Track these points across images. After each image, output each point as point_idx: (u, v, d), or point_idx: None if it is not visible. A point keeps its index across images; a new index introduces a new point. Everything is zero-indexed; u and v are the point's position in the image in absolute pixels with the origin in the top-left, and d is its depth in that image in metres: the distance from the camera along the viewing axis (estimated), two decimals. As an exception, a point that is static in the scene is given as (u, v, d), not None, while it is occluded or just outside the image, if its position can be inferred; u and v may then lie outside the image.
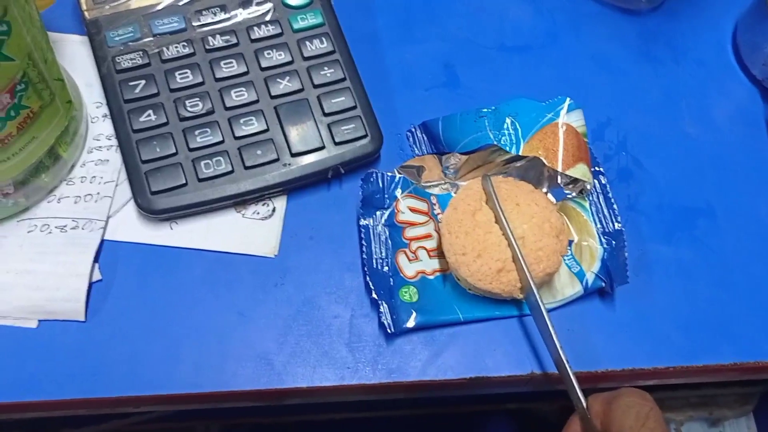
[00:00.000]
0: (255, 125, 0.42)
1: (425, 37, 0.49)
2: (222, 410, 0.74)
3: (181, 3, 0.45)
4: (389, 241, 0.41)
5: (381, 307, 0.39)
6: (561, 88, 0.47)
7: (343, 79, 0.44)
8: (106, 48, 0.43)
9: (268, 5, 0.45)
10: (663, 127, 0.48)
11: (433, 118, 0.44)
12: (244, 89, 0.43)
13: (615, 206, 0.43)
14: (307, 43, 0.44)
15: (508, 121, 0.43)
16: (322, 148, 0.42)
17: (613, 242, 0.42)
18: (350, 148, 0.42)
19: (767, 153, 0.47)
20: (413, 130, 0.45)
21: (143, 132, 0.41)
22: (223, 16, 0.45)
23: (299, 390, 0.39)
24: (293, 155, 0.42)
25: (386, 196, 0.42)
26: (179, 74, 0.43)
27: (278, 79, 0.43)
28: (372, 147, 0.43)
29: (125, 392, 0.38)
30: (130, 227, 0.41)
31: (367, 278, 0.40)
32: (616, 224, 0.42)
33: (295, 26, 0.45)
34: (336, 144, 0.42)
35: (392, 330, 0.39)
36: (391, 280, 0.40)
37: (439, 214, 0.42)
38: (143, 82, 0.42)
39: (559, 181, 0.43)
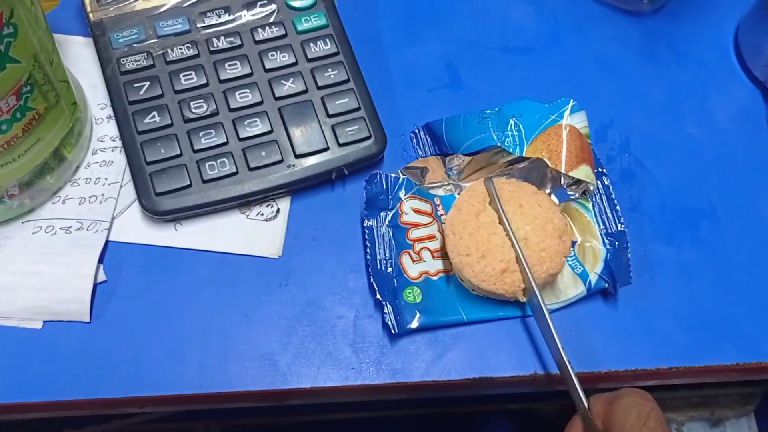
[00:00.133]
0: (259, 126, 0.42)
1: (428, 38, 0.49)
2: (223, 411, 0.74)
3: (185, 5, 0.45)
4: (393, 242, 0.41)
5: (385, 307, 0.39)
6: (564, 90, 0.47)
7: (347, 81, 0.44)
8: (111, 50, 0.43)
9: (272, 7, 0.45)
10: (665, 128, 0.48)
11: (437, 119, 0.45)
12: (248, 91, 0.43)
13: (618, 207, 0.43)
14: (311, 44, 0.45)
15: (511, 122, 0.43)
16: (326, 149, 0.42)
17: (616, 243, 0.42)
18: (354, 150, 0.42)
19: (769, 154, 0.48)
20: (417, 131, 0.46)
21: (148, 133, 0.41)
22: (227, 17, 0.45)
23: (303, 390, 0.39)
24: (297, 156, 0.42)
25: (390, 197, 0.42)
26: (184, 76, 0.43)
27: (282, 81, 0.43)
28: (376, 148, 0.43)
29: (129, 393, 0.38)
30: (135, 228, 0.41)
31: (371, 279, 0.40)
32: (619, 225, 0.42)
33: (299, 28, 0.45)
34: (340, 145, 0.42)
35: (396, 330, 0.39)
36: (395, 280, 0.40)
37: (442, 215, 0.43)
38: (148, 83, 0.42)
39: (562, 182, 0.43)
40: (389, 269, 0.40)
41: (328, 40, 0.45)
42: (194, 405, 0.40)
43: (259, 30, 0.45)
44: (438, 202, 0.43)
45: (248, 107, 0.43)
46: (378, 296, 0.39)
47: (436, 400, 0.78)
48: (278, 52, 0.44)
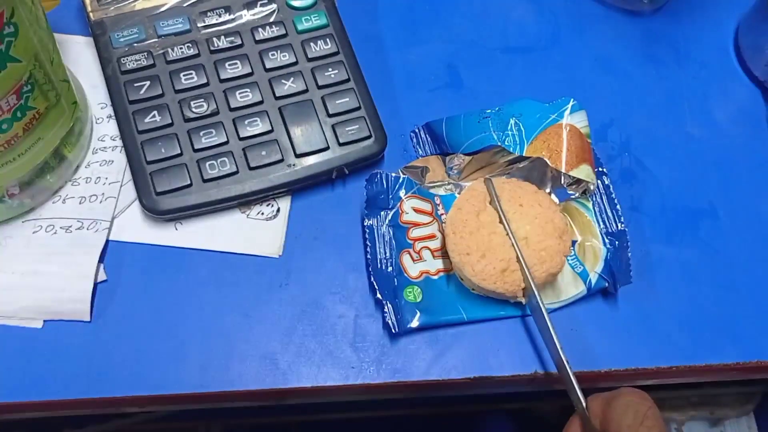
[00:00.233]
0: (259, 126, 0.42)
1: (429, 38, 0.49)
2: (223, 410, 0.74)
3: (185, 4, 0.45)
4: (393, 242, 0.41)
5: (385, 307, 0.39)
6: (564, 90, 0.47)
7: (347, 80, 0.44)
8: (111, 49, 0.43)
9: (273, 6, 0.45)
10: (666, 128, 0.48)
11: (437, 118, 0.45)
12: (248, 90, 0.43)
13: (618, 207, 0.43)
14: (312, 44, 0.45)
15: (511, 121, 0.43)
16: (327, 148, 0.42)
17: (617, 242, 0.42)
18: (354, 149, 0.42)
19: (769, 154, 0.48)
20: (417, 131, 0.46)
21: (148, 133, 0.41)
22: (227, 17, 0.45)
23: (304, 390, 0.39)
24: (298, 156, 0.42)
25: (390, 196, 0.42)
26: (184, 75, 0.43)
27: (283, 80, 0.43)
28: (376, 148, 0.43)
29: (130, 392, 0.38)
30: (135, 228, 0.41)
31: (372, 278, 0.40)
32: (619, 225, 0.42)
33: (300, 27, 0.45)
34: (340, 145, 0.42)
35: (396, 330, 0.39)
36: (396, 280, 0.40)
37: (443, 214, 0.43)
38: (148, 83, 0.42)
39: (562, 181, 0.43)
40: (389, 268, 0.40)
41: (328, 40, 0.45)
42: (195, 404, 0.40)
43: (260, 29, 0.45)
44: (438, 202, 0.43)
45: (248, 107, 0.43)
46: (378, 295, 0.39)
47: (436, 399, 0.78)
48: (278, 51, 0.44)
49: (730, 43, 0.51)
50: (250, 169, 0.41)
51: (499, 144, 0.42)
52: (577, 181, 0.43)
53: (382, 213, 0.42)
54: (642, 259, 0.43)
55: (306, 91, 0.43)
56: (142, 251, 0.41)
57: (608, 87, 0.49)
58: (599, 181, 0.43)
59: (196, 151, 0.41)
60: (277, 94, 0.43)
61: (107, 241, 0.41)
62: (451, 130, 0.44)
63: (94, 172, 0.42)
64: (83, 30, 0.46)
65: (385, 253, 0.41)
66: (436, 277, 0.41)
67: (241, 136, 0.42)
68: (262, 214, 0.42)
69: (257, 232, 0.42)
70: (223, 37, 0.44)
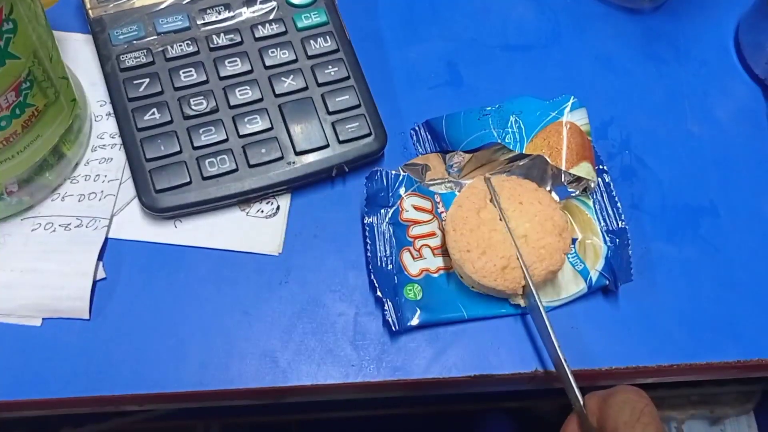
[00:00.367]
0: (259, 123, 0.42)
1: (429, 36, 0.49)
2: (222, 409, 0.74)
3: (185, 1, 0.45)
4: (393, 239, 0.41)
5: (385, 304, 0.39)
6: (565, 88, 0.47)
7: (347, 78, 0.44)
8: (110, 46, 0.43)
9: (272, 4, 0.45)
10: (666, 126, 0.48)
11: (437, 116, 0.44)
12: (248, 87, 0.43)
13: (619, 204, 0.43)
14: (311, 41, 0.44)
15: (512, 119, 0.43)
16: (327, 146, 0.42)
17: (617, 240, 0.42)
18: (354, 147, 0.42)
19: (770, 151, 0.48)
20: (417, 128, 0.46)
21: (147, 130, 0.41)
22: (227, 14, 0.45)
23: (304, 388, 0.39)
24: (297, 153, 0.42)
25: (390, 194, 0.42)
26: (183, 73, 0.43)
27: (282, 78, 0.43)
28: (376, 145, 0.43)
29: (130, 390, 0.38)
30: (135, 225, 0.41)
31: (372, 276, 0.40)
32: (619, 222, 0.42)
33: (299, 25, 0.45)
34: (340, 142, 0.42)
35: (396, 328, 0.39)
36: (396, 278, 0.40)
37: (442, 212, 0.42)
38: (147, 80, 0.42)
39: (562, 179, 0.43)
40: (390, 266, 0.40)
41: (328, 37, 0.45)
42: (194, 402, 0.40)
43: (259, 27, 0.44)
44: (438, 200, 0.43)
45: (248, 104, 0.43)
46: (378, 293, 0.39)
47: (435, 398, 0.78)
48: (278, 49, 0.44)
49: (730, 41, 0.51)
50: (250, 166, 0.41)
51: (499, 141, 0.42)
52: (578, 179, 0.43)
53: (382, 211, 0.42)
54: (642, 256, 0.43)
55: (306, 88, 0.43)
56: (142, 249, 0.41)
57: (608, 85, 0.49)
58: (600, 179, 0.43)
59: (195, 148, 0.41)
60: (277, 92, 0.43)
61: (106, 238, 0.41)
62: (451, 127, 0.44)
63: (93, 169, 0.42)
64: (82, 27, 0.46)
65: (386, 251, 0.41)
66: (436, 275, 0.41)
67: (240, 133, 0.42)
68: (262, 211, 0.42)
69: (257, 230, 0.42)
70: (222, 34, 0.44)
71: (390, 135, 0.43)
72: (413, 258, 0.41)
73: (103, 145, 0.43)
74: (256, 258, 0.41)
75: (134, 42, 0.43)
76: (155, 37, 0.44)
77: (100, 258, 0.40)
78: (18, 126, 0.36)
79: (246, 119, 0.42)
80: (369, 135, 0.43)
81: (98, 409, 0.39)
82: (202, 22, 0.44)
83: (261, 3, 0.45)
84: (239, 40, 0.44)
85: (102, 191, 0.42)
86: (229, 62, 0.43)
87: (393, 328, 0.39)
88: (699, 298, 0.42)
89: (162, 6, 0.44)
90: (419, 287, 0.40)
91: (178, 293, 0.40)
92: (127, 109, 0.42)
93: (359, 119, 0.43)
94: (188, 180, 0.40)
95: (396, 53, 0.48)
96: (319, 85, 0.43)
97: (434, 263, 0.41)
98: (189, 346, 0.39)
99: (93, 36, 0.44)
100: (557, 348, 0.37)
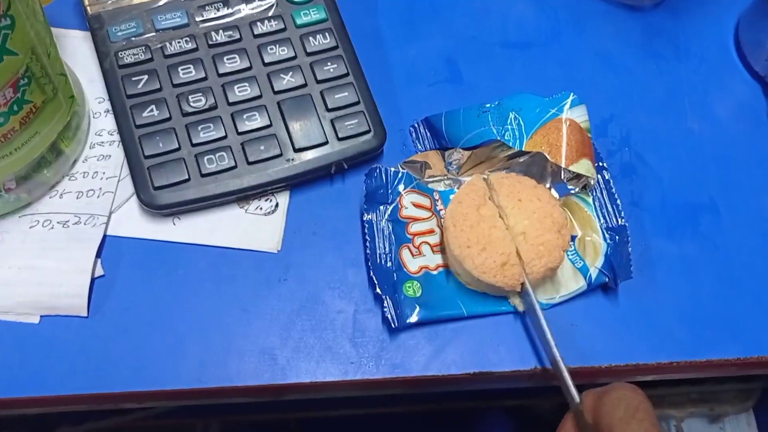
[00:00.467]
0: (258, 120, 0.42)
1: (428, 33, 0.49)
2: (221, 407, 0.74)
3: (183, -2, 0.44)
4: (393, 236, 0.41)
5: (384, 302, 0.39)
6: (564, 85, 0.47)
7: (346, 75, 0.44)
8: (109, 43, 0.43)
9: (271, 0, 0.45)
10: (666, 123, 0.48)
11: (436, 113, 0.44)
12: (247, 84, 0.43)
13: (618, 201, 0.43)
14: (310, 38, 0.44)
15: (511, 116, 0.43)
16: (326, 143, 0.42)
17: (617, 237, 0.42)
18: (353, 144, 0.42)
19: (770, 149, 0.47)
20: (416, 125, 0.45)
21: (146, 127, 0.41)
22: (225, 11, 0.45)
23: (302, 385, 0.38)
24: (296, 150, 0.42)
25: (389, 191, 0.42)
26: (182, 69, 0.43)
27: (281, 75, 0.43)
28: (375, 142, 0.43)
29: (128, 388, 0.38)
30: (133, 223, 0.41)
31: (371, 273, 0.40)
32: (619, 220, 0.42)
33: (298, 22, 0.45)
34: (339, 139, 0.42)
35: (396, 325, 0.39)
36: (395, 275, 0.40)
37: (441, 210, 0.42)
38: (146, 77, 0.42)
39: (562, 176, 0.43)
40: (389, 263, 0.40)
41: (327, 34, 0.45)
42: (193, 400, 0.40)
43: (258, 24, 0.44)
44: (437, 197, 0.43)
45: (247, 101, 0.42)
46: (378, 290, 0.39)
47: (434, 395, 0.78)
48: (277, 45, 0.44)
49: (730, 39, 0.51)
50: (249, 163, 0.41)
51: (498, 138, 0.42)
52: (577, 176, 0.43)
53: (382, 208, 0.42)
54: (642, 254, 0.43)
55: (305, 85, 0.43)
56: (140, 246, 0.41)
57: (608, 82, 0.49)
58: (599, 176, 0.43)
59: (194, 145, 0.41)
60: (276, 89, 0.43)
61: (104, 236, 0.41)
62: (450, 124, 0.44)
63: (92, 166, 0.42)
64: (81, 24, 0.46)
65: (385, 248, 0.41)
66: (435, 272, 0.41)
67: (239, 130, 0.42)
68: (261, 209, 0.42)
69: (256, 227, 0.42)
70: (221, 31, 0.44)
71: (389, 132, 0.43)
72: (412, 255, 0.41)
73: (102, 142, 0.43)
74: (255, 255, 0.41)
75: (133, 39, 0.43)
76: (154, 33, 0.43)
77: (98, 255, 0.40)
78: (16, 123, 0.36)
79: (245, 116, 0.42)
80: (368, 132, 0.42)
81: (97, 406, 0.39)
82: (201, 18, 0.44)
83: (260, 0, 0.45)
84: (238, 36, 0.44)
85: (100, 188, 0.42)
86: (227, 59, 0.43)
87: (392, 325, 0.39)
88: (699, 296, 0.42)
89: (160, 2, 0.44)
90: (418, 284, 0.40)
91: (177, 290, 0.40)
92: (126, 106, 0.42)
93: (358, 116, 0.43)
94: (187, 177, 0.40)
95: (395, 50, 0.48)
96: (318, 82, 0.43)
97: (433, 260, 0.41)
98: (188, 343, 0.39)
99: (91, 33, 0.44)
100: (553, 345, 0.37)
